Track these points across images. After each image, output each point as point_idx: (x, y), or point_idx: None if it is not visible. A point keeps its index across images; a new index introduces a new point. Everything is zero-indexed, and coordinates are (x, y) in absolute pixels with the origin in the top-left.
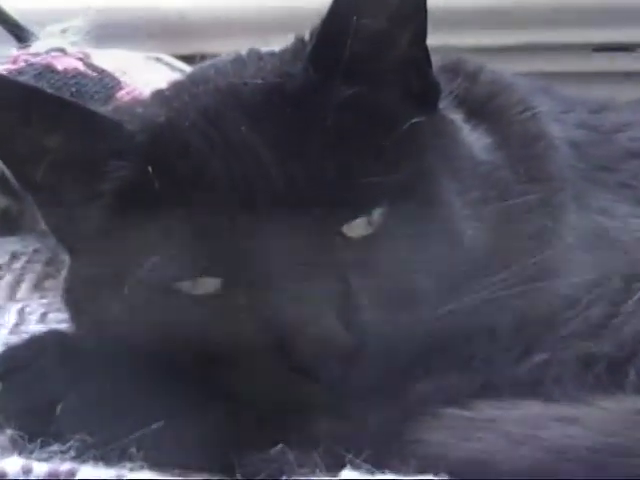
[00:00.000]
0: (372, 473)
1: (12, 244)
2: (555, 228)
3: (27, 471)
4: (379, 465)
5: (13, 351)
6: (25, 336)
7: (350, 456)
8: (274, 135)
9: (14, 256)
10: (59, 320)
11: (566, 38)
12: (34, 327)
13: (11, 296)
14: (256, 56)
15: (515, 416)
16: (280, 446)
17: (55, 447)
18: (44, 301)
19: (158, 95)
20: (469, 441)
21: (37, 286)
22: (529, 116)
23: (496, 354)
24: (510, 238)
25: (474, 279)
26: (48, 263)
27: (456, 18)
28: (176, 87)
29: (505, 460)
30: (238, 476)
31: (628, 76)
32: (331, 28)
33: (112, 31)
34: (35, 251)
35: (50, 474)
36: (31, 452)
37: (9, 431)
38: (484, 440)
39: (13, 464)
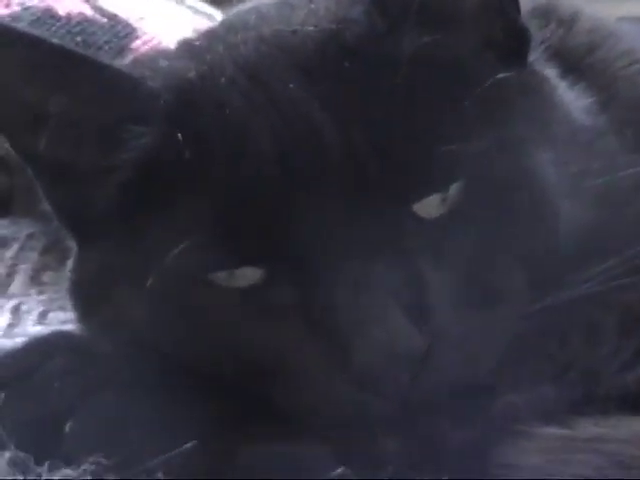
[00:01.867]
0: None
1: (4, 228)
2: None
3: None
4: None
5: (11, 357)
6: (21, 339)
7: None
8: (330, 94)
9: (4, 243)
10: (62, 320)
11: None
12: (32, 329)
13: (3, 291)
14: None
15: (624, 435)
16: (341, 469)
17: (67, 471)
18: (43, 297)
19: (186, 46)
20: (569, 465)
21: (34, 279)
22: (637, 70)
23: (600, 360)
24: (617, 219)
25: (573, 269)
26: (45, 251)
27: None
28: (209, 36)
29: None
30: None
31: None
32: None
33: None
34: (29, 237)
35: None
36: (38, 476)
37: (8, 453)
38: (587, 464)
39: None
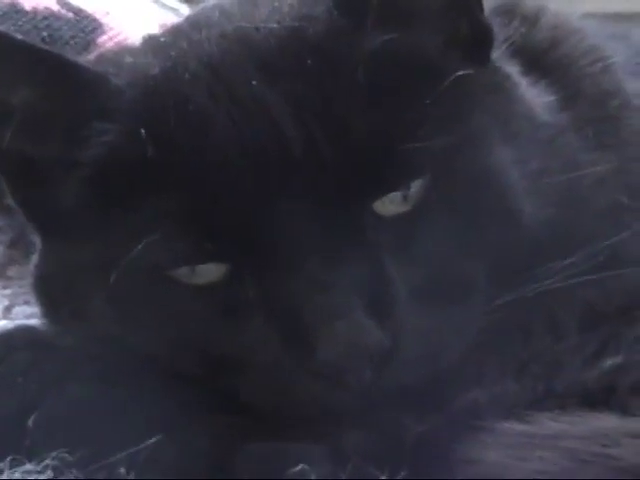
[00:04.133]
0: None
1: None
2: (632, 205)
3: None
4: None
5: None
6: None
7: (384, 476)
8: (292, 91)
9: None
10: (27, 314)
11: None
12: None
13: None
14: None
15: (583, 431)
16: (300, 467)
17: (29, 466)
18: (8, 292)
19: (151, 42)
20: (528, 461)
21: (0, 273)
22: (601, 68)
23: (561, 356)
24: (578, 216)
25: (534, 265)
26: (12, 245)
27: None
28: (173, 32)
29: None
30: None
31: None
32: None
33: None
34: None
35: None
36: (0, 472)
37: None
38: (546, 460)
39: None
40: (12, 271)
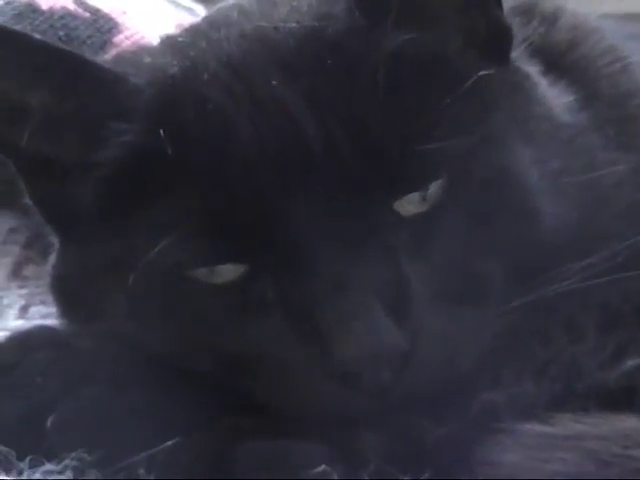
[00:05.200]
0: None
1: None
2: None
3: None
4: None
5: None
6: (3, 334)
7: (405, 479)
8: (311, 90)
9: None
10: (43, 314)
11: None
12: (13, 323)
13: None
14: None
15: (604, 432)
16: (322, 467)
17: (49, 466)
18: (24, 291)
19: (169, 41)
20: (549, 462)
21: (15, 273)
22: (620, 68)
23: (580, 357)
24: (597, 216)
25: (553, 266)
26: (28, 245)
27: None
28: (192, 32)
29: None
30: None
31: None
32: None
33: None
34: (11, 230)
35: None
36: (20, 473)
37: None
38: (567, 461)
39: None
40: (28, 271)
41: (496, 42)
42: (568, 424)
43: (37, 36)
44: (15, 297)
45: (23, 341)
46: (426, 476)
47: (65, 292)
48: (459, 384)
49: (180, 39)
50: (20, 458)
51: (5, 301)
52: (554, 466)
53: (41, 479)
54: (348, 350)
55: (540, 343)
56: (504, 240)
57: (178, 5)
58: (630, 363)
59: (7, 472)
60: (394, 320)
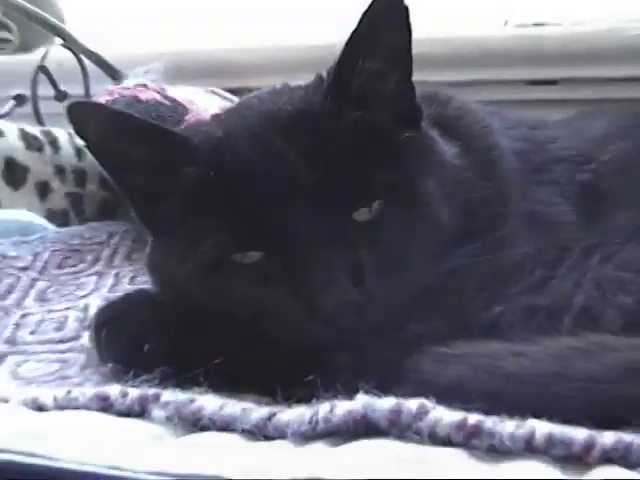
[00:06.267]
0: (379, 397)
1: (109, 226)
2: (506, 213)
3: (124, 395)
4: (384, 390)
5: (112, 305)
6: (120, 294)
7: (363, 384)
8: (302, 146)
9: (111, 235)
10: (144, 282)
11: (505, 75)
12: (126, 287)
13: (109, 265)
14: (287, 89)
15: (481, 351)
16: (311, 377)
17: (144, 376)
18: (133, 268)
19: (216, 118)
20: (448, 370)
21: (128, 257)
22: (486, 132)
23: (467, 306)
24: (475, 221)
25: (450, 250)
26: (135, 240)
27: (432, 60)
28: (229, 112)
29: (473, 383)
30: (279, 399)
31: (553, 103)
32: (342, 68)
33: (180, 71)
34: (126, 231)
35: (150, 397)
36: (126, 381)
37: (110, 365)
38: (459, 369)
39: (114, 389)
40: (135, 256)
41: (412, 116)
42: (460, 346)
43: (138, 115)
44: (127, 272)
45: (130, 299)
46: (372, 385)
47: (155, 269)
48: (397, 323)
49: (222, 116)
50: (126, 372)
51: (121, 274)
52: (451, 372)
53: (139, 385)
54: (327, 305)
55: (445, 296)
56: (425, 234)
57: (223, 97)
58: (496, 310)
59: (119, 381)
60: (354, 285)
